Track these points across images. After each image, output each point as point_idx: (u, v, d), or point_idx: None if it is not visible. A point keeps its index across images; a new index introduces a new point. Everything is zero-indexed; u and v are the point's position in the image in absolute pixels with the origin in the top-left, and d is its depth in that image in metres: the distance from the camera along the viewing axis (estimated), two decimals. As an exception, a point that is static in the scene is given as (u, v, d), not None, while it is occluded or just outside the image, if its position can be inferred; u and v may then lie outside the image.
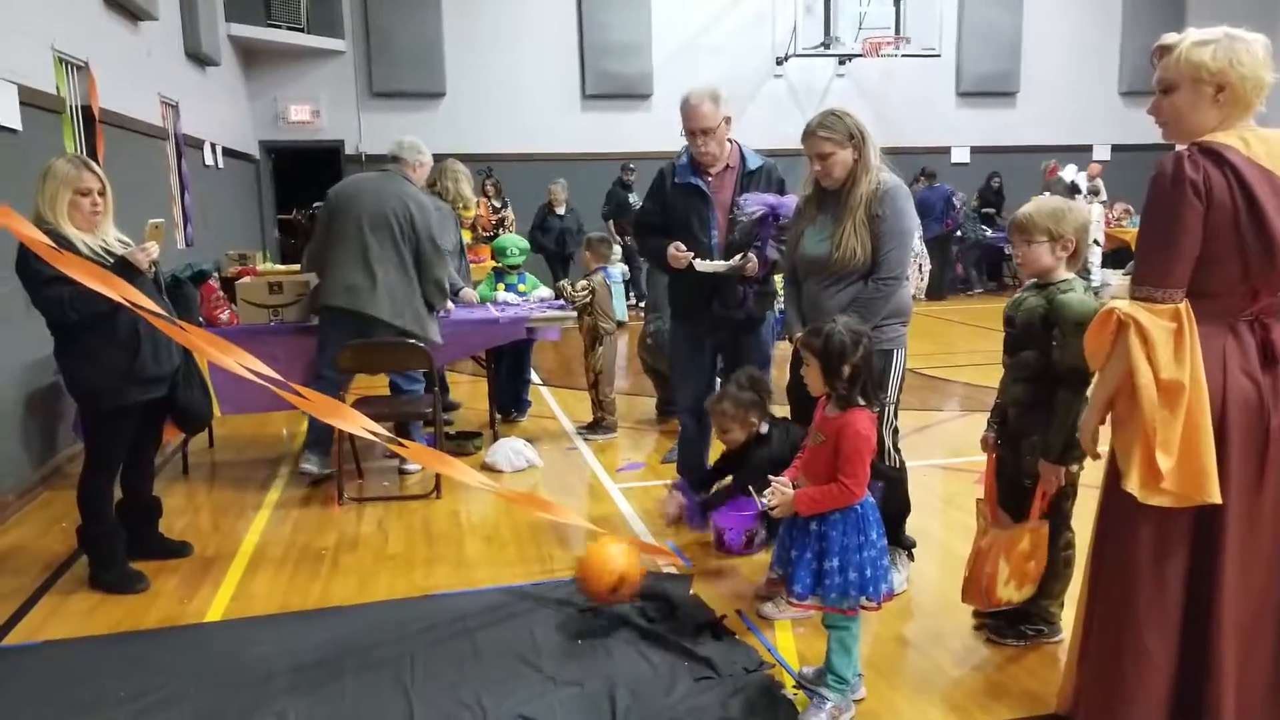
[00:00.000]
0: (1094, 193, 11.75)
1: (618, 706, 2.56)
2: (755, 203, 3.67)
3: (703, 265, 3.72)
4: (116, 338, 3.35)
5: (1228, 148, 1.98)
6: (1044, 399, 2.70)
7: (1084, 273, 3.25)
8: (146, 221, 3.51)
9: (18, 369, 4.59)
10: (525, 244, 6.30)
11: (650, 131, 11.95)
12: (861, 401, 2.50)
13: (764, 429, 3.43)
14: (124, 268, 3.29)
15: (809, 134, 3.20)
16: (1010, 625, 2.94)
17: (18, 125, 4.70)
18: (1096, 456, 2.29)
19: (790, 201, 3.65)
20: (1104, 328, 2.11)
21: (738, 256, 3.71)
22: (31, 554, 3.88)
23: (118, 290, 3.08)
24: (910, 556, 3.48)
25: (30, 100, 4.86)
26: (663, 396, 5.88)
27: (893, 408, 3.30)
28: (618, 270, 6.06)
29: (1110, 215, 12.52)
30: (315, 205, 11.43)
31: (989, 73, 13.83)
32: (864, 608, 2.50)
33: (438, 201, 5.30)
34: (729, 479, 3.61)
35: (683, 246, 3.78)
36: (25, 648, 3.06)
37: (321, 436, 4.70)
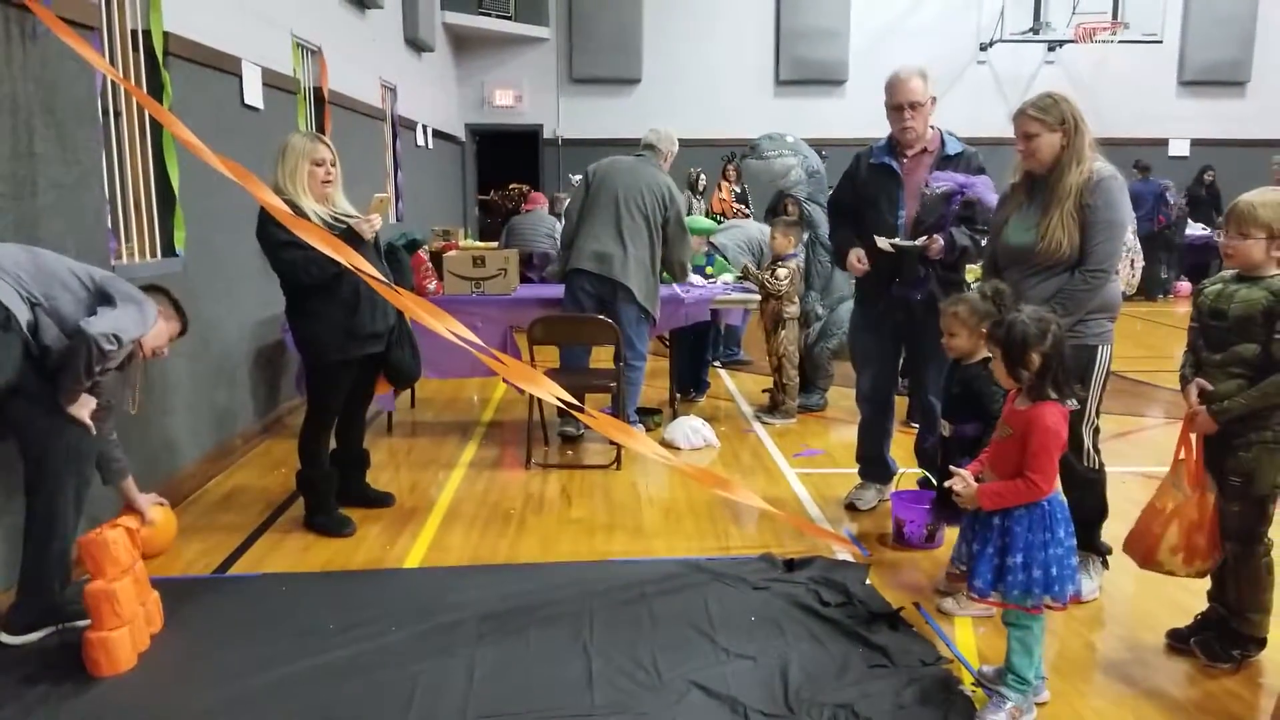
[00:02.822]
0: None
1: (790, 683, 2.57)
2: (944, 179, 3.61)
3: (883, 242, 3.67)
4: (341, 298, 3.65)
5: None
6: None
7: None
8: (372, 195, 3.80)
9: (249, 326, 5.08)
10: (710, 224, 6.42)
11: (843, 118, 11.72)
12: (1053, 395, 2.38)
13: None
14: (350, 236, 3.58)
15: (1020, 113, 3.08)
16: (1223, 647, 2.71)
17: (260, 104, 5.19)
18: None
19: (979, 182, 3.56)
20: None
21: (923, 238, 3.62)
22: (254, 494, 4.30)
23: (344, 255, 3.36)
24: (1105, 564, 3.29)
25: (271, 82, 5.35)
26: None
27: (1095, 406, 3.12)
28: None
29: None
30: (511, 187, 12.01)
31: (1217, 60, 12.68)
32: (1048, 607, 2.40)
33: None
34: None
35: (864, 256, 3.79)
36: (248, 578, 3.41)
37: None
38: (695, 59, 12.43)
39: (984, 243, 3.49)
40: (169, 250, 4.28)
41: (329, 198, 3.72)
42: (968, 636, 2.94)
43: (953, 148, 3.76)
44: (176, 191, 4.24)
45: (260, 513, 4.06)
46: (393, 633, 2.91)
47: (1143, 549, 2.75)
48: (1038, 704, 2.50)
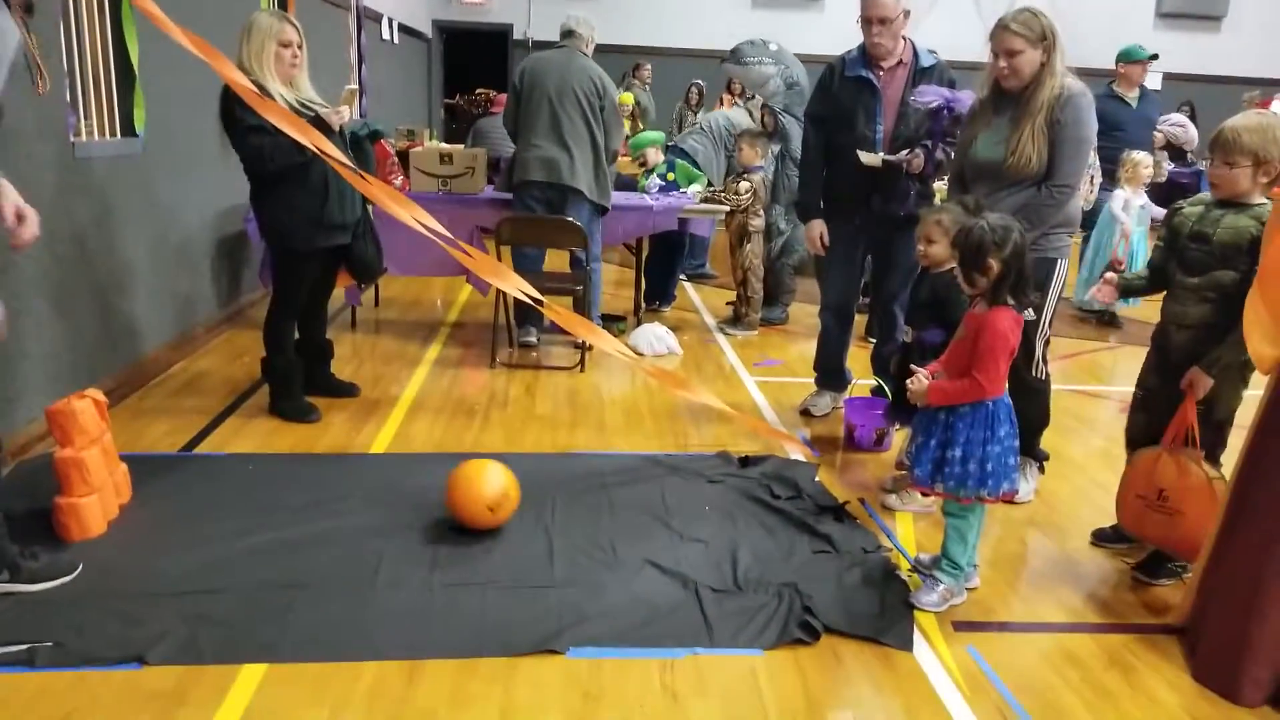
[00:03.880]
0: None
1: (739, 564, 2.72)
2: (932, 94, 3.60)
3: (867, 158, 3.69)
4: (308, 186, 3.62)
5: None
6: (1227, 323, 2.57)
7: None
8: (343, 88, 3.75)
9: (212, 215, 5.02)
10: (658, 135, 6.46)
11: (819, 34, 11.57)
12: (1009, 301, 2.48)
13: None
14: (317, 124, 3.53)
15: (1001, 27, 3.09)
16: (1159, 565, 2.85)
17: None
18: None
19: (966, 97, 3.55)
20: None
21: (904, 151, 3.66)
22: (218, 380, 4.32)
23: (312, 139, 3.32)
24: (1041, 469, 3.46)
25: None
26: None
27: (1049, 317, 3.23)
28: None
29: None
30: (478, 91, 11.75)
31: (1195, -7, 12.68)
32: (980, 500, 2.54)
33: None
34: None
35: (826, 234, 3.93)
36: (215, 456, 3.46)
37: (535, 312, 4.96)
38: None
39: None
40: (128, 130, 4.19)
41: (295, 82, 3.66)
42: (908, 530, 3.11)
43: (926, 60, 3.78)
44: (136, 68, 4.13)
45: (225, 398, 4.08)
46: (359, 511, 3.00)
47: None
48: (969, 589, 2.69)
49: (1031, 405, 3.24)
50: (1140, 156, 6.11)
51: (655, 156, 6.20)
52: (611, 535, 2.89)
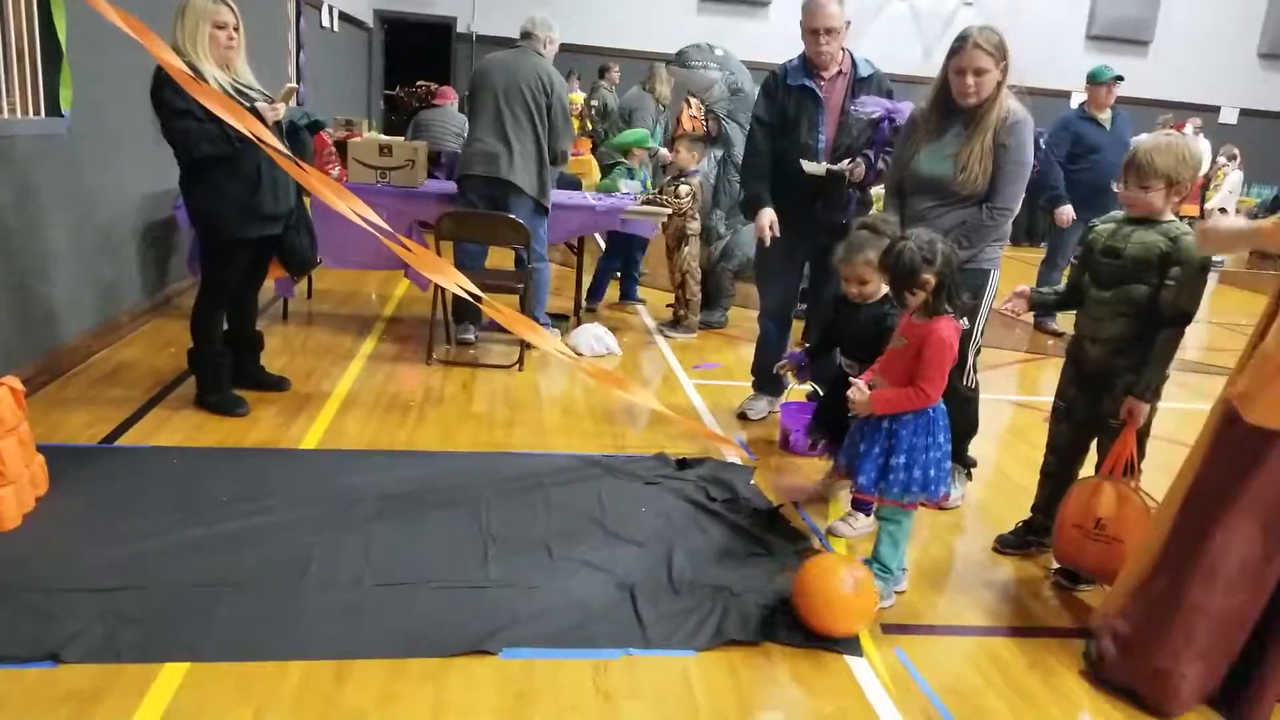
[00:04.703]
0: (1231, 158, 11.05)
1: (674, 566, 2.73)
2: (874, 104, 3.67)
3: (810, 167, 3.73)
4: (240, 174, 3.53)
5: None
6: (1143, 336, 2.69)
7: None
8: (284, 85, 3.69)
9: (138, 199, 4.85)
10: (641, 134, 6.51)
11: (764, 40, 11.70)
12: (948, 309, 2.54)
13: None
14: (253, 114, 3.45)
15: (972, 46, 3.03)
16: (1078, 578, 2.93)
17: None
18: None
19: (906, 108, 3.62)
20: None
21: (846, 160, 3.72)
22: (142, 371, 4.18)
23: (246, 124, 3.24)
24: (969, 476, 3.55)
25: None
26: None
27: (981, 327, 3.31)
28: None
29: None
30: (419, 83, 11.59)
31: (1124, 18, 13.14)
32: (923, 505, 2.60)
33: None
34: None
35: (775, 223, 3.86)
36: (138, 449, 3.35)
37: (474, 310, 4.90)
38: (617, -32, 12.15)
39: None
40: (54, 109, 4.03)
41: (231, 65, 3.57)
42: (841, 535, 3.16)
43: (864, 70, 3.84)
44: (64, 45, 3.98)
45: (149, 389, 3.96)
46: (289, 508, 2.93)
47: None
48: (897, 592, 2.74)
49: (962, 412, 3.31)
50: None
51: (641, 158, 6.20)
52: (547, 536, 2.88)
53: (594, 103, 10.10)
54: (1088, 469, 2.96)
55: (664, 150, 6.64)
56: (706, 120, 6.09)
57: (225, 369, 3.83)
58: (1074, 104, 13.22)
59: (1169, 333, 2.65)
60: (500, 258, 5.77)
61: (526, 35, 5.01)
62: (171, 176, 3.71)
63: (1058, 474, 3.03)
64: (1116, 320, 2.73)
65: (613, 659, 2.33)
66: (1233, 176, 10.61)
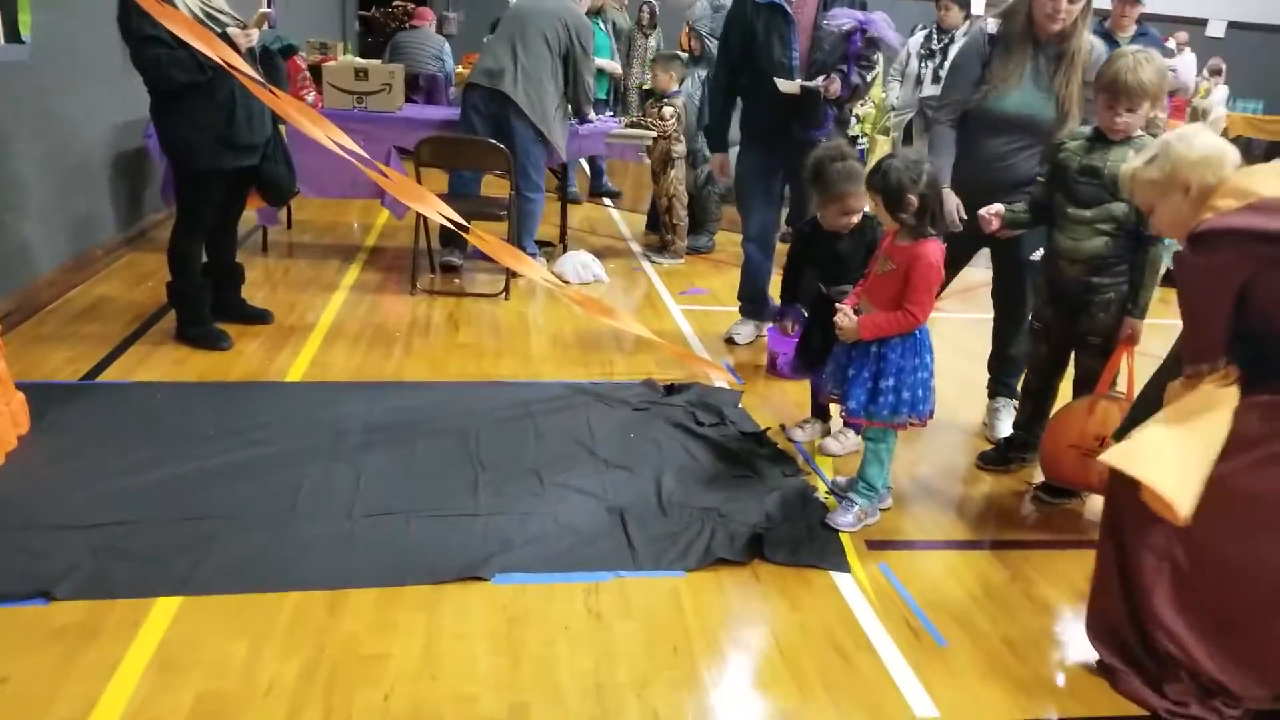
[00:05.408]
0: (1216, 72, 10.76)
1: (663, 489, 2.76)
2: (845, 16, 3.62)
3: (785, 85, 3.68)
4: (214, 102, 3.43)
5: None
6: (1123, 254, 2.70)
7: None
8: (256, 9, 3.56)
9: (108, 129, 4.73)
10: None
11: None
12: (932, 231, 2.52)
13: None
14: (224, 40, 3.34)
15: None
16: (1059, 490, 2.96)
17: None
18: None
19: (878, 19, 3.58)
20: None
21: (820, 77, 3.65)
22: (120, 305, 4.12)
23: (217, 51, 3.13)
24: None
25: None
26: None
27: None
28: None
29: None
30: (394, 3, 11.24)
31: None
32: (911, 425, 2.62)
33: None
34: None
35: (727, 166, 3.94)
36: (119, 385, 3.32)
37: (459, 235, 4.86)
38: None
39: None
40: (12, 35, 3.88)
41: (199, -15, 3.44)
42: (826, 454, 3.19)
43: None
44: (19, -32, 3.82)
45: (129, 324, 3.91)
46: (276, 441, 2.92)
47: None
48: (882, 509, 2.79)
49: (1024, 346, 3.23)
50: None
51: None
52: (536, 463, 2.89)
53: (603, 25, 9.79)
54: (1067, 385, 2.99)
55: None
56: (690, 39, 5.94)
57: (206, 302, 3.78)
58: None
59: (1156, 251, 2.65)
60: (498, 184, 5.67)
61: None
62: (142, 105, 3.60)
63: (1038, 391, 3.06)
64: (1097, 239, 2.73)
65: (604, 581, 2.36)
66: (1217, 92, 10.43)
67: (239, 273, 4.05)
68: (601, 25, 7.19)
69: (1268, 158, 11.88)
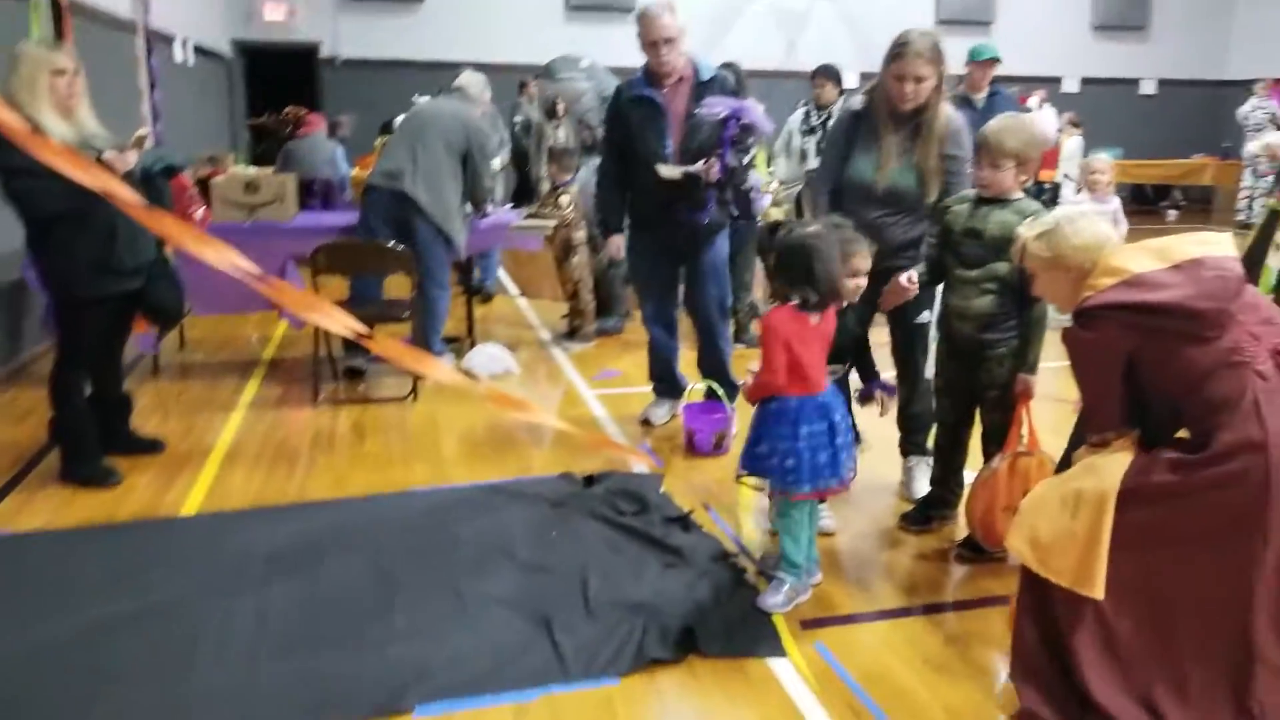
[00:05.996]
0: (1074, 124, 11.41)
1: (589, 589, 2.65)
2: (719, 104, 3.70)
3: (666, 171, 3.76)
4: (91, 228, 3.31)
5: None
6: (1011, 311, 2.79)
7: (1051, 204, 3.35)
8: (135, 131, 3.49)
9: (-16, 263, 4.52)
10: None
11: (632, 46, 11.69)
12: (792, 299, 2.56)
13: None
14: (100, 165, 3.23)
15: (913, 54, 2.96)
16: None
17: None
18: None
19: (749, 105, 3.68)
20: None
21: (699, 162, 3.73)
22: (0, 447, 3.88)
23: (94, 177, 3.03)
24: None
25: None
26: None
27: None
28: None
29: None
30: (286, 110, 11.20)
31: (966, 2, 13.82)
32: (783, 495, 2.60)
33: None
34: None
35: (621, 247, 4.06)
36: None
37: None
38: (482, -20, 11.97)
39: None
40: None
41: (74, 113, 3.34)
42: (751, 532, 3.14)
43: (706, 73, 3.86)
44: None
45: (9, 466, 3.67)
46: (171, 583, 2.73)
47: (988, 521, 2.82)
48: (813, 585, 2.74)
49: (926, 403, 3.30)
50: (1099, 162, 5.48)
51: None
52: (454, 576, 2.75)
53: (516, 119, 9.90)
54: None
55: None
56: (580, 130, 6.04)
57: (91, 436, 3.57)
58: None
59: (1039, 306, 2.73)
60: (401, 283, 5.57)
61: (457, 89, 5.11)
62: (16, 235, 3.44)
63: (948, 447, 3.09)
64: (984, 297, 2.81)
65: (532, 700, 2.23)
66: (1071, 142, 11.01)
67: (127, 402, 3.86)
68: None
69: (1157, 200, 12.65)
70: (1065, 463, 2.33)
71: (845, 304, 2.76)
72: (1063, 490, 2.06)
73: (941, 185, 3.08)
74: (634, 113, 3.86)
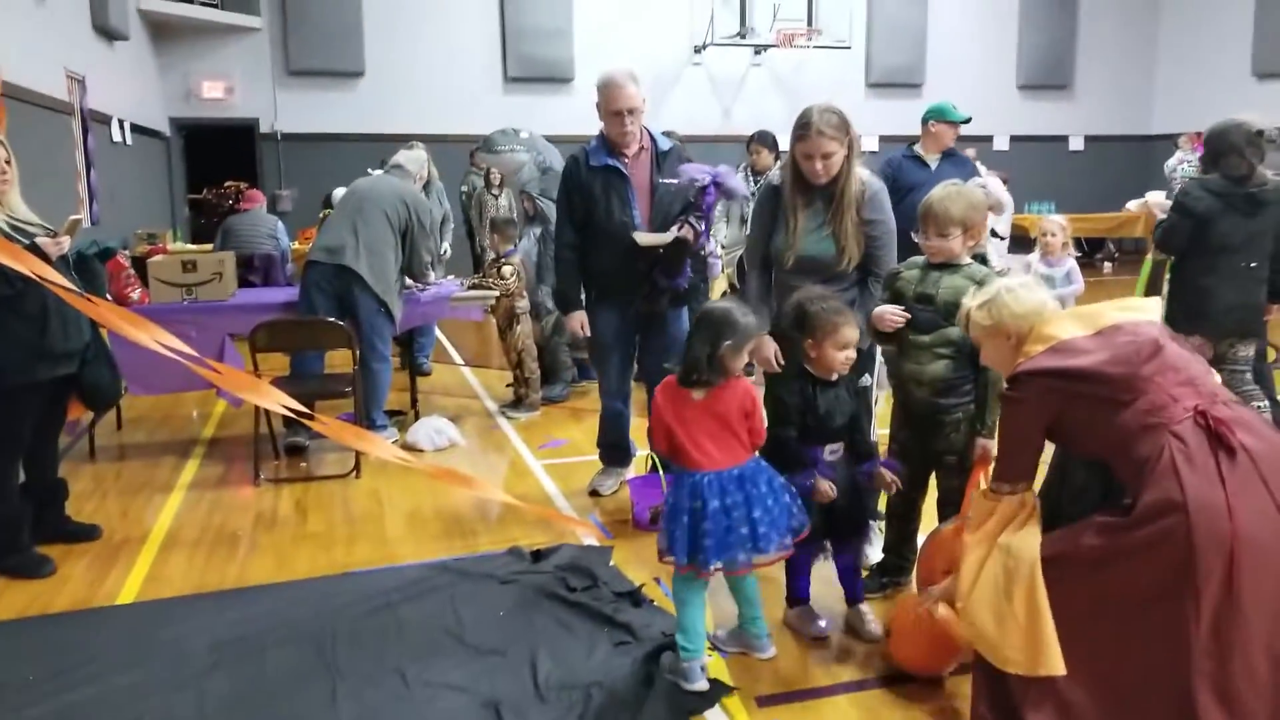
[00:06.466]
0: (1004, 180, 11.86)
1: (539, 672, 2.62)
2: (699, 172, 3.74)
3: (646, 238, 3.75)
4: (23, 314, 3.26)
5: None
6: (966, 375, 2.84)
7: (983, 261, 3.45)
8: (67, 217, 3.49)
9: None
10: None
11: (571, 115, 11.91)
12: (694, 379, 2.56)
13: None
14: (33, 250, 3.21)
15: (815, 133, 2.97)
16: None
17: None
18: None
19: (727, 170, 3.76)
20: None
21: (675, 227, 3.77)
22: (-72, 540, 3.73)
23: (26, 264, 3.01)
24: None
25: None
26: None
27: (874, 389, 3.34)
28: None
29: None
30: (226, 185, 11.15)
31: (896, 65, 14.24)
32: (666, 563, 2.59)
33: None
34: None
35: (586, 323, 3.99)
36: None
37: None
38: (421, 54, 12.11)
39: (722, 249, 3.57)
40: None
41: (5, 201, 3.33)
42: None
43: (664, 144, 3.95)
44: None
45: (-67, 562, 3.52)
46: (107, 676, 2.65)
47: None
48: (765, 659, 2.73)
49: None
50: (1051, 223, 5.39)
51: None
52: (400, 661, 2.71)
53: (464, 188, 9.96)
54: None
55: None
56: (522, 201, 6.13)
57: (24, 526, 3.47)
58: (863, 147, 14.14)
59: (993, 371, 2.75)
60: (343, 357, 5.53)
61: (397, 166, 5.21)
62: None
63: (903, 513, 3.11)
64: (938, 362, 2.85)
65: (482, 787, 2.20)
66: (993, 184, 11.48)
67: (61, 489, 3.76)
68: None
69: (1091, 253, 13.03)
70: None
71: (836, 377, 2.76)
72: (991, 573, 2.11)
73: (862, 251, 3.10)
74: (596, 182, 3.84)
